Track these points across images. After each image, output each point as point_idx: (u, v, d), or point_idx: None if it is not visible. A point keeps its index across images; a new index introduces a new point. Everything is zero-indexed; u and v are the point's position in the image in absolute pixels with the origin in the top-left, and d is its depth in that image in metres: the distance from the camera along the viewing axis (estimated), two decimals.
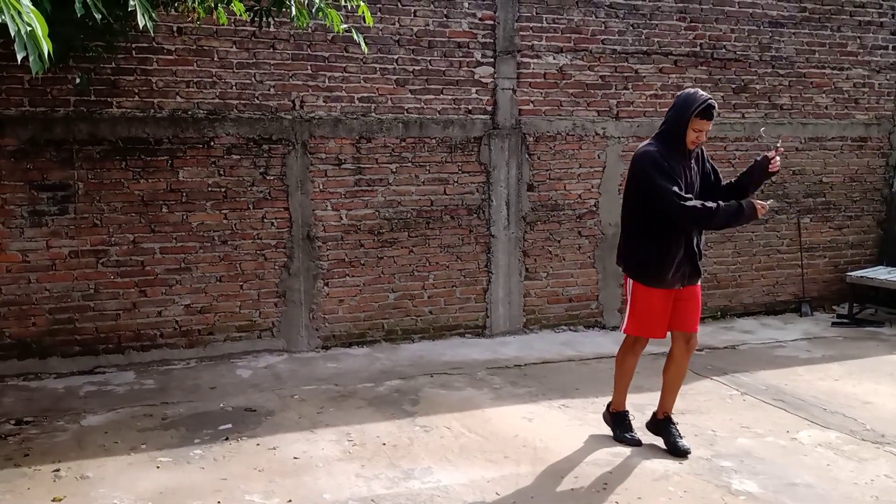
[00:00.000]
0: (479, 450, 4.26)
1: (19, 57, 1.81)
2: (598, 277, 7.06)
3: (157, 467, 4.02)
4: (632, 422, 4.42)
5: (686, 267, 4.01)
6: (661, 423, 4.29)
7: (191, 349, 5.99)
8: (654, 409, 4.38)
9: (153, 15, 3.08)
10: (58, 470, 3.96)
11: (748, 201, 3.91)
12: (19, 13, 1.70)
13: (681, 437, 4.21)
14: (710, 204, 3.86)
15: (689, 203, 3.83)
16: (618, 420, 4.40)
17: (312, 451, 4.23)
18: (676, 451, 4.14)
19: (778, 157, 4.04)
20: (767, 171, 4.02)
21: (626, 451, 4.23)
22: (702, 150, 4.15)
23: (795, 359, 6.14)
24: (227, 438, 4.40)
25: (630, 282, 4.14)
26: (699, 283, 4.15)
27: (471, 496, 3.70)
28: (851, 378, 5.61)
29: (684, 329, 4.14)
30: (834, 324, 7.29)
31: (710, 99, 3.85)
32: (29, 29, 1.74)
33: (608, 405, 4.49)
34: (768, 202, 4.01)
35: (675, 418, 4.32)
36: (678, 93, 4.13)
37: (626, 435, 4.33)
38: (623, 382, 4.35)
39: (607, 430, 4.53)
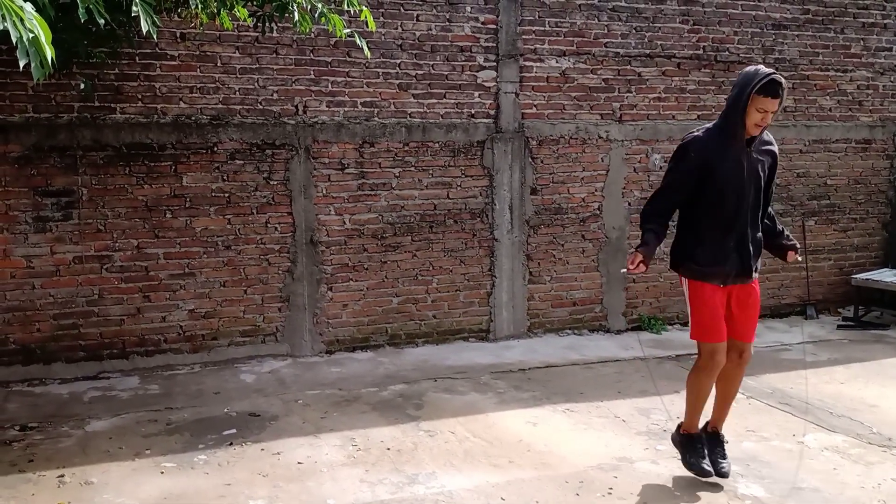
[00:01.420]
0: (483, 454, 4.25)
1: (21, 63, 1.81)
2: (602, 281, 7.04)
3: (162, 473, 4.01)
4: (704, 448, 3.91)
5: (734, 262, 3.67)
6: (708, 438, 3.92)
7: (195, 354, 5.99)
8: (659, 412, 4.34)
9: (156, 20, 3.09)
10: (62, 476, 3.96)
11: (641, 251, 3.66)
12: (21, 20, 1.70)
13: (723, 459, 3.86)
14: (650, 223, 3.72)
15: (649, 205, 3.79)
16: (689, 444, 3.90)
17: (317, 455, 4.22)
18: (715, 469, 3.82)
19: (793, 259, 3.94)
20: (785, 253, 3.92)
21: (631, 455, 4.21)
22: (775, 154, 3.79)
23: (801, 362, 6.11)
24: (231, 443, 4.40)
25: (684, 281, 3.82)
26: (755, 284, 3.81)
27: (475, 501, 3.68)
28: (857, 381, 5.58)
29: (738, 337, 3.78)
30: (839, 326, 7.26)
31: (775, 73, 3.44)
32: (31, 35, 1.74)
33: (678, 426, 4.00)
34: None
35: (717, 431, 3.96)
36: (738, 72, 3.80)
37: (698, 462, 3.82)
38: (697, 405, 3.86)
39: (611, 434, 4.52)
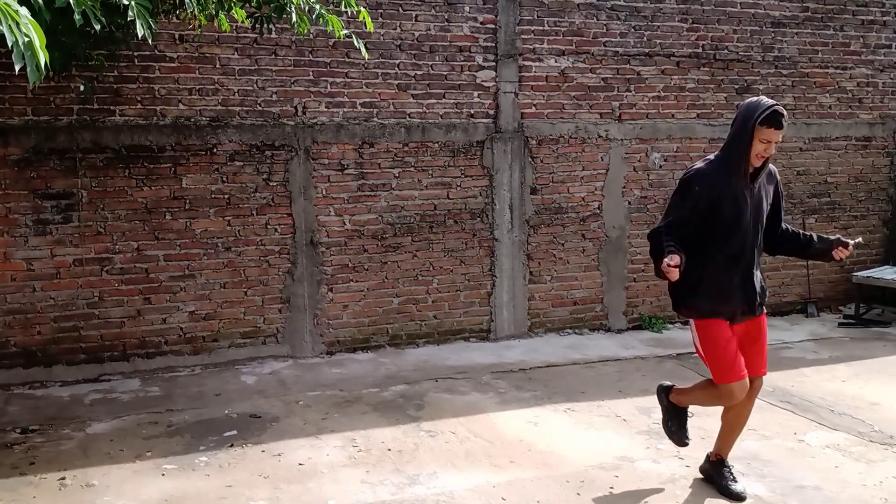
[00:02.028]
0: (484, 454, 4.25)
1: (17, 67, 1.82)
2: (602, 280, 7.04)
3: (163, 475, 4.02)
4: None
5: (739, 300, 3.57)
6: (714, 465, 3.85)
7: (195, 356, 6.00)
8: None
9: (152, 24, 3.09)
10: (63, 478, 3.96)
11: (662, 260, 3.42)
12: (17, 24, 1.70)
13: (734, 482, 3.78)
14: (663, 240, 3.48)
15: (662, 232, 3.55)
16: (717, 470, 3.84)
17: (317, 457, 4.23)
18: (729, 495, 3.73)
19: (844, 255, 3.73)
20: (830, 253, 3.74)
21: (632, 454, 4.21)
22: (777, 179, 3.74)
23: (802, 360, 6.11)
24: (232, 445, 4.40)
25: (691, 324, 3.69)
26: (764, 318, 3.71)
27: (476, 501, 3.68)
28: (859, 379, 5.58)
29: (752, 373, 3.63)
30: (840, 324, 7.25)
31: (777, 105, 3.41)
32: (26, 39, 1.74)
33: (707, 457, 3.92)
34: (856, 240, 3.77)
35: (729, 461, 3.89)
36: (740, 104, 3.67)
37: (732, 486, 3.75)
38: (734, 433, 3.81)
39: (613, 433, 4.52)
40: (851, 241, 3.72)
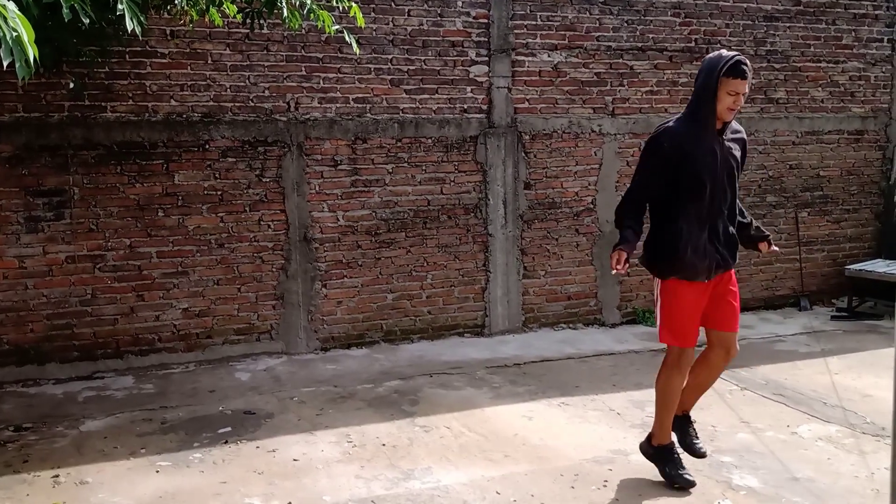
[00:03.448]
0: (478, 449, 4.25)
1: (5, 62, 1.81)
2: (596, 275, 7.05)
3: (157, 472, 4.01)
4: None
5: (713, 257, 3.56)
6: (678, 420, 3.84)
7: (189, 353, 5.98)
8: (654, 405, 4.32)
9: (142, 19, 3.07)
10: (57, 476, 3.95)
11: (624, 249, 3.52)
12: (4, 19, 1.69)
13: (698, 439, 3.87)
14: (627, 221, 3.57)
15: (623, 205, 3.63)
16: (663, 455, 3.77)
17: (312, 452, 4.22)
18: (692, 452, 3.82)
19: (766, 251, 3.83)
20: (758, 244, 3.80)
21: (626, 448, 4.22)
22: (744, 142, 3.72)
23: (795, 353, 6.13)
24: (226, 441, 4.39)
25: (656, 281, 3.71)
26: (733, 273, 3.71)
27: (471, 495, 3.69)
28: (851, 371, 5.60)
29: (723, 328, 3.67)
30: (833, 317, 7.28)
31: (739, 55, 3.42)
32: (14, 34, 1.73)
33: (648, 437, 3.85)
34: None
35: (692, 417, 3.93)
36: (701, 61, 3.67)
37: (679, 474, 3.70)
38: (668, 409, 3.71)
39: (606, 427, 4.53)
40: (775, 247, 3.84)
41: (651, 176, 3.60)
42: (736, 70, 3.39)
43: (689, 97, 3.66)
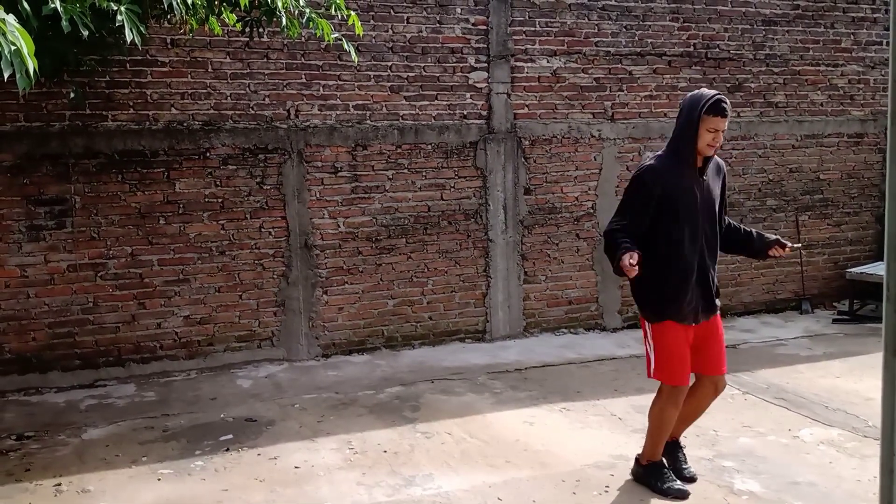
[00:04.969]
0: (480, 455, 4.25)
1: (6, 74, 1.82)
2: (597, 279, 7.05)
3: (159, 479, 4.02)
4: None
5: (698, 300, 3.61)
6: (668, 446, 3.86)
7: (191, 360, 5.99)
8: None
9: (141, 29, 3.09)
10: (59, 484, 3.96)
11: (622, 259, 3.45)
12: (3, 33, 1.70)
13: (686, 463, 3.90)
14: (618, 238, 3.51)
15: (615, 233, 3.57)
16: (654, 472, 3.79)
17: (313, 459, 4.23)
18: (681, 477, 3.80)
19: (780, 254, 3.80)
20: (766, 252, 3.80)
21: (627, 453, 4.21)
22: (724, 171, 3.79)
23: (796, 357, 6.13)
24: (227, 449, 4.40)
25: (647, 325, 3.72)
26: (718, 317, 3.75)
27: (473, 502, 3.69)
28: (853, 375, 5.60)
29: (711, 372, 3.72)
30: (835, 321, 7.28)
31: (719, 94, 3.52)
32: (14, 48, 1.75)
33: (637, 459, 3.89)
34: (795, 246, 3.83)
35: (682, 441, 3.99)
36: (681, 99, 3.73)
37: (672, 486, 3.71)
38: (661, 436, 3.75)
39: (608, 432, 4.53)
40: (789, 244, 3.81)
41: (638, 213, 3.62)
42: (717, 108, 3.49)
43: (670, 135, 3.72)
